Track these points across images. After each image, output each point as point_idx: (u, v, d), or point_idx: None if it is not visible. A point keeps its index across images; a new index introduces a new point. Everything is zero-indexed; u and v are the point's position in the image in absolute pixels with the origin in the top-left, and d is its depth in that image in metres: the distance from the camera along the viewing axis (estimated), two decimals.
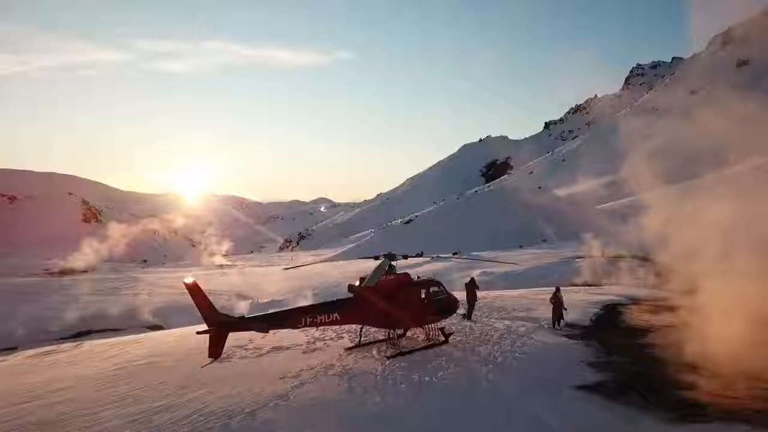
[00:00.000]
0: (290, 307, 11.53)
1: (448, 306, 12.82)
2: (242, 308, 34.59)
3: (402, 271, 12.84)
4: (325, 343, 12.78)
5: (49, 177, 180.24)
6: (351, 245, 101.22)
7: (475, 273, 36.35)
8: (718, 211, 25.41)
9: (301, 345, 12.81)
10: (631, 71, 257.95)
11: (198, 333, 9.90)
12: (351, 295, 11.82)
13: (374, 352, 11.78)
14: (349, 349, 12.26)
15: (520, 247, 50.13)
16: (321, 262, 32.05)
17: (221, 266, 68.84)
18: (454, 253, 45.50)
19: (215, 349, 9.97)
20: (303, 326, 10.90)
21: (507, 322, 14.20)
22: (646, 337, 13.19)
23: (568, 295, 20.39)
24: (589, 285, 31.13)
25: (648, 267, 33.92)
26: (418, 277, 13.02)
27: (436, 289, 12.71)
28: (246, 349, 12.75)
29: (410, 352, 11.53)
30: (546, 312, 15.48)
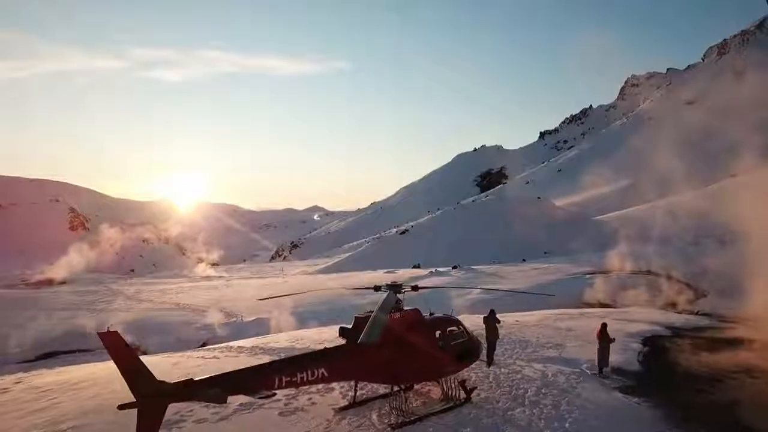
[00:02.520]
0: (257, 364, 8.25)
1: (470, 351, 9.84)
2: (223, 327, 31.62)
3: (410, 307, 9.81)
4: (309, 399, 9.85)
5: (41, 184, 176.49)
6: (345, 255, 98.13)
7: (477, 290, 33.54)
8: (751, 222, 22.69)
9: (278, 400, 9.87)
10: (626, 81, 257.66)
11: (120, 408, 6.59)
12: (343, 340, 8.94)
13: (374, 416, 8.87)
14: (342, 409, 9.32)
15: (523, 260, 47.39)
16: (305, 292, 28.94)
17: (208, 277, 65.59)
18: (453, 267, 42.68)
19: (148, 430, 6.70)
20: (276, 388, 7.86)
21: (538, 366, 11.34)
22: (725, 390, 10.38)
23: (593, 323, 17.64)
24: (607, 306, 28.41)
25: (670, 285, 31.30)
26: (431, 313, 10.04)
27: (454, 329, 9.70)
28: (206, 406, 9.83)
29: (422, 418, 8.63)
30: (580, 349, 12.74)
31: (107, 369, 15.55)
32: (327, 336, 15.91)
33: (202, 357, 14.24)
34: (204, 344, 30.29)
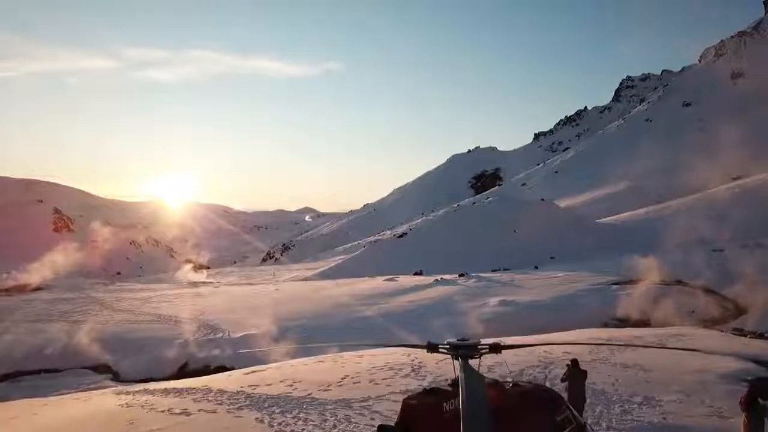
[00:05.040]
0: None
1: None
2: (206, 345, 28.02)
3: (486, 376, 5.90)
4: None
5: (29, 184, 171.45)
6: (339, 257, 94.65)
7: (493, 302, 30.26)
8: None
9: None
10: (621, 83, 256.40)
11: None
12: None
13: None
14: None
15: (535, 267, 44.19)
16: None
17: (194, 284, 61.83)
18: (460, 275, 39.42)
19: None
20: None
21: None
22: None
23: (659, 356, 14.41)
24: (643, 323, 25.26)
25: (706, 299, 28.25)
26: (509, 382, 6.28)
27: (557, 412, 5.84)
28: None
29: None
30: (683, 407, 9.52)
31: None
32: (330, 376, 12.52)
33: (168, 411, 10.77)
34: (184, 365, 26.86)
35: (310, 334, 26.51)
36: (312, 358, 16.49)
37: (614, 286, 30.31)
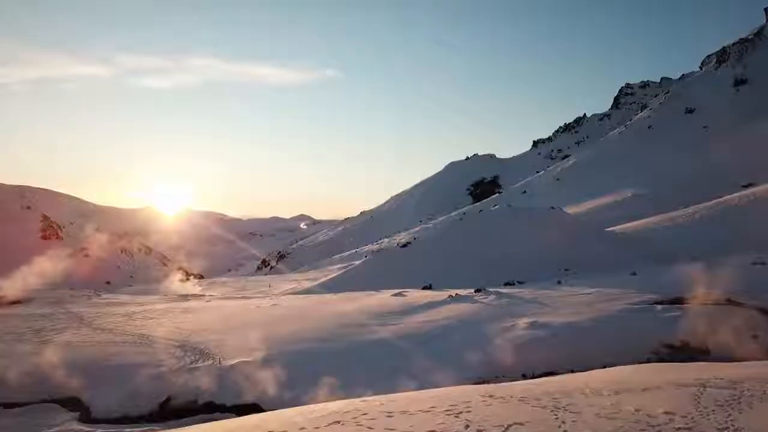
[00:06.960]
0: None
1: None
2: (192, 374, 24.09)
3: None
4: None
5: (21, 191, 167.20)
6: (337, 266, 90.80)
7: (522, 324, 26.54)
8: None
9: None
10: (620, 91, 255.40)
11: None
12: None
13: None
14: None
15: (558, 282, 40.52)
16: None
17: (185, 296, 57.78)
18: (477, 291, 35.72)
19: None
20: None
21: None
22: None
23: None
24: (701, 351, 21.66)
25: (764, 320, 24.68)
26: None
27: None
28: None
29: None
30: None
31: None
32: None
33: None
34: (166, 401, 22.97)
35: (315, 361, 22.70)
36: (322, 408, 12.65)
37: (658, 306, 26.62)
